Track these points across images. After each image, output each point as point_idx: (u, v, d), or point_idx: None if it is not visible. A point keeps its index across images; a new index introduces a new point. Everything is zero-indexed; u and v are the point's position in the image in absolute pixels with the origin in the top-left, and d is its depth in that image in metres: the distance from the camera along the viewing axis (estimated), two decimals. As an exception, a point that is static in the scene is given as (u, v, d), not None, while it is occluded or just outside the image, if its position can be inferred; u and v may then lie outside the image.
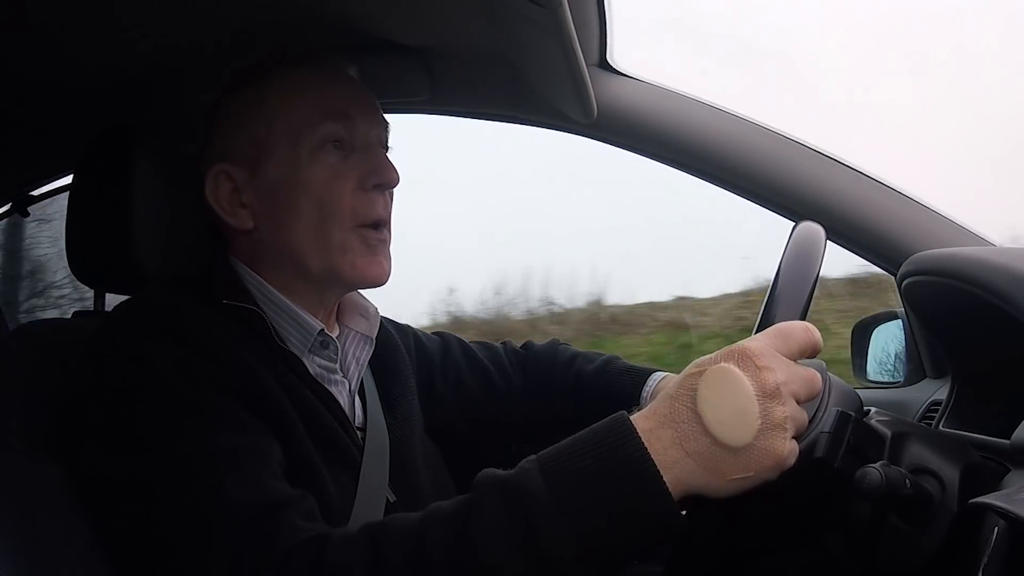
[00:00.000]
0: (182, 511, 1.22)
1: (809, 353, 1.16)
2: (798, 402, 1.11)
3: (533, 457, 1.13)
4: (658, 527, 1.07)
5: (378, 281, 1.54)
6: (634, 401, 1.82)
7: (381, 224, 1.53)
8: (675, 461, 1.07)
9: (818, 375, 1.15)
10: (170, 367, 1.31)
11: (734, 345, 1.12)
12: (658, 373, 1.85)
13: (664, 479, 1.06)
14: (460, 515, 1.11)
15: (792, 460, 1.09)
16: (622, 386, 1.85)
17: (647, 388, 1.82)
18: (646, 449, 1.07)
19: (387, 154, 1.57)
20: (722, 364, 1.10)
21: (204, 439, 1.26)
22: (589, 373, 1.90)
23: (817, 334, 1.17)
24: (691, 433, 1.08)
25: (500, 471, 1.13)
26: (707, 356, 1.14)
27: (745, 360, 1.09)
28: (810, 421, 1.43)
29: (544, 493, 1.07)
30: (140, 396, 1.30)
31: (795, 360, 1.14)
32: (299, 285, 1.52)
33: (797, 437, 1.12)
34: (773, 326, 1.18)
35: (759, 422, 1.06)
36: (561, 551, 1.05)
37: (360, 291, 1.66)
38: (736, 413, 1.07)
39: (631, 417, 1.12)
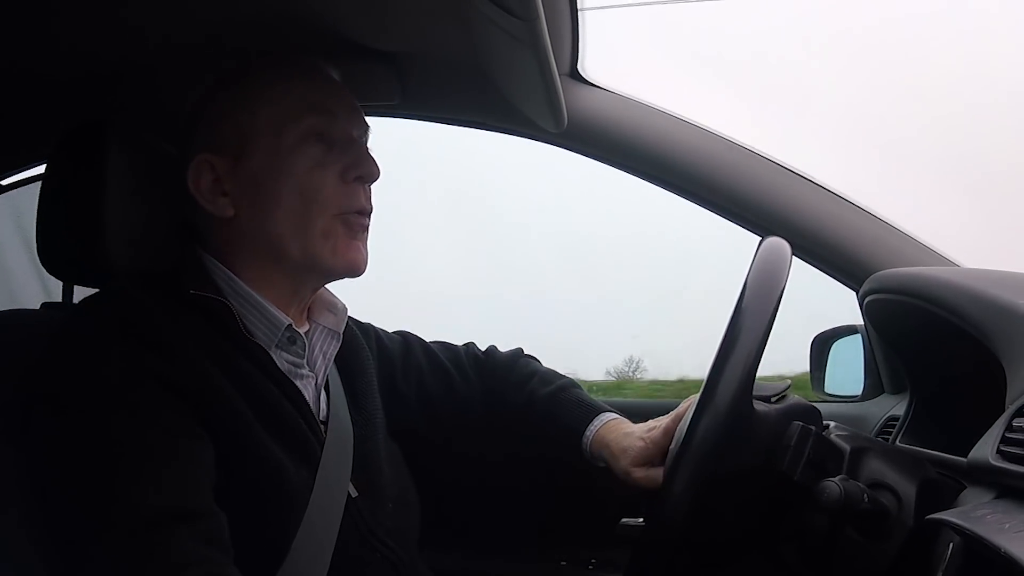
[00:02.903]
0: (92, 503, 1.26)
1: None
2: None
3: None
4: None
5: (356, 268, 1.57)
6: (577, 436, 1.82)
7: (364, 213, 1.56)
8: None
9: None
10: (116, 364, 1.34)
11: None
12: (606, 414, 1.82)
13: None
14: None
15: None
16: (569, 419, 1.84)
17: (591, 427, 1.81)
18: None
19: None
20: None
21: (134, 437, 1.29)
22: (540, 397, 1.90)
23: None
24: None
25: None
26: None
27: None
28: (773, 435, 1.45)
29: None
30: (80, 390, 1.32)
31: None
32: (275, 275, 1.55)
33: None
34: None
35: None
36: None
37: (330, 289, 1.68)
38: None
39: None
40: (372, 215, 1.59)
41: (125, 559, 1.22)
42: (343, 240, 1.54)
